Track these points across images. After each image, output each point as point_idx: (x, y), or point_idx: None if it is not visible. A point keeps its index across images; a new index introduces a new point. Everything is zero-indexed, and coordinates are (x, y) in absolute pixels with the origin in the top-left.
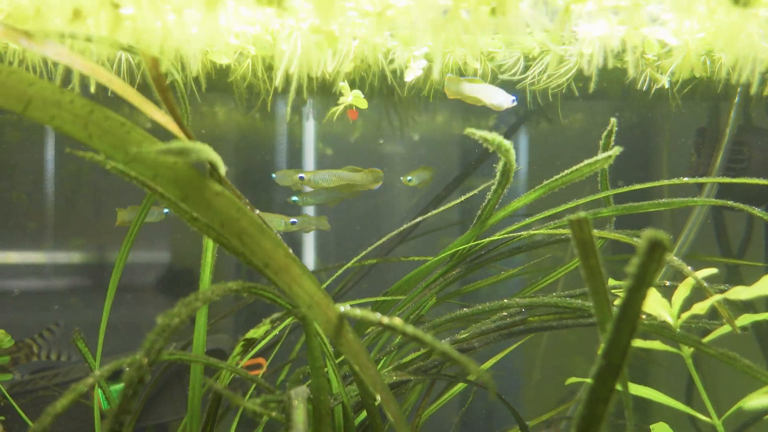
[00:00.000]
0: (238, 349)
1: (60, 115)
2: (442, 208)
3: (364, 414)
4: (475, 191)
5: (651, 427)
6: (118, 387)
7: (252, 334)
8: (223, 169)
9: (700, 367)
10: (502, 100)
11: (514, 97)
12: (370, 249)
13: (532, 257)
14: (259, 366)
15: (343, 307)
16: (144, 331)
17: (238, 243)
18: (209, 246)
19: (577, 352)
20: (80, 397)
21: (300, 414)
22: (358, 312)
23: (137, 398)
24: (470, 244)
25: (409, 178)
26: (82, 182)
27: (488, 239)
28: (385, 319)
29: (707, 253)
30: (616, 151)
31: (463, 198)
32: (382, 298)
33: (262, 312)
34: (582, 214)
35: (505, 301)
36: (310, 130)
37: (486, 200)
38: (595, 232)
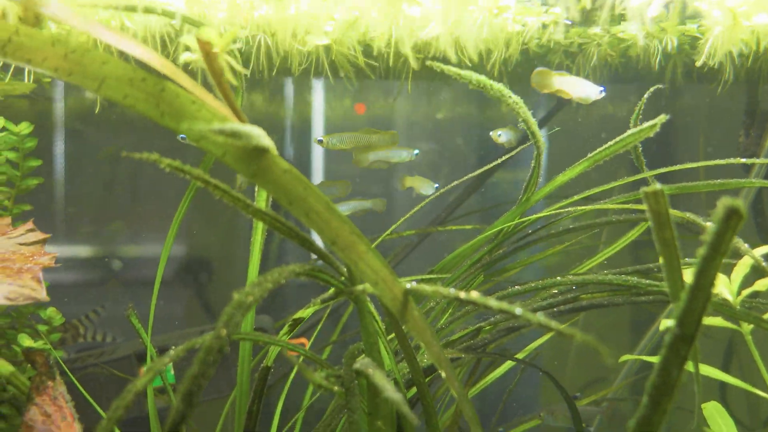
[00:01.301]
0: (285, 329)
1: (133, 93)
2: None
3: (413, 390)
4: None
5: (702, 405)
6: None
7: (301, 313)
8: (275, 151)
9: (737, 349)
10: (590, 91)
11: (602, 88)
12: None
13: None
14: (301, 346)
15: (409, 284)
16: (162, 323)
17: (306, 220)
18: (259, 228)
19: (605, 339)
20: (126, 377)
21: (380, 376)
22: (427, 288)
23: (215, 366)
24: (515, 222)
25: (499, 133)
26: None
27: (536, 216)
28: (462, 294)
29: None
30: (662, 118)
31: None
32: (428, 276)
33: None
34: (657, 186)
35: (558, 278)
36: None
37: (529, 174)
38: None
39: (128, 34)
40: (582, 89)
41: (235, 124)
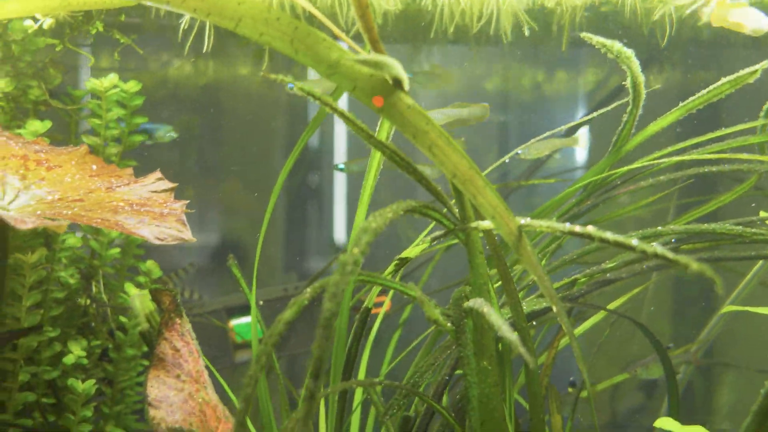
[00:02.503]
0: (391, 267)
1: (268, 32)
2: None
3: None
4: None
5: None
6: (246, 323)
7: (407, 253)
8: (407, 86)
9: None
10: (765, 23)
11: None
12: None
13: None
14: (381, 304)
15: (524, 219)
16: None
17: (429, 153)
18: (374, 163)
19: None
20: (222, 325)
21: (495, 315)
22: (542, 223)
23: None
24: (604, 174)
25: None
26: None
27: (627, 167)
28: (578, 227)
29: None
30: (764, 64)
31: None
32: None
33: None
34: None
35: (659, 228)
36: None
37: (621, 124)
38: None
39: None
40: (761, 21)
41: (378, 55)
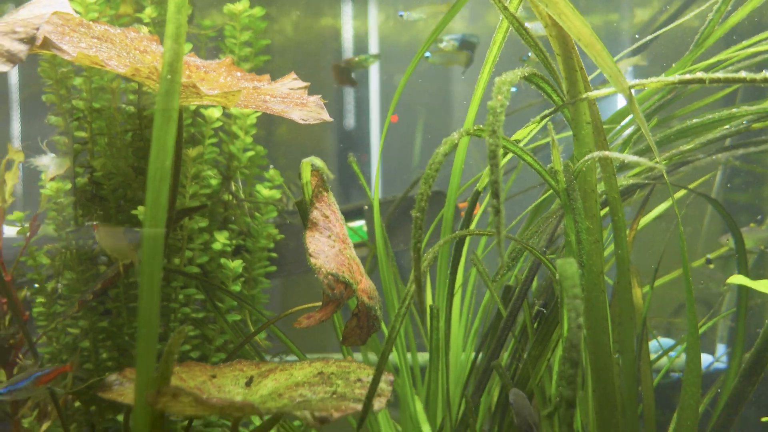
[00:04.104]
0: (500, 152)
1: None
2: None
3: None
4: None
5: None
6: (358, 225)
7: (518, 135)
8: None
9: None
10: None
11: None
12: None
13: None
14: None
15: (634, 80)
16: None
17: (558, 20)
18: (498, 37)
19: None
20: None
21: (595, 175)
22: (653, 79)
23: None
24: (688, 68)
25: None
26: None
27: (707, 62)
28: (687, 75)
29: None
30: None
31: None
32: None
33: None
34: None
35: (734, 110)
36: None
37: (709, 20)
38: None
39: None
40: None
41: None
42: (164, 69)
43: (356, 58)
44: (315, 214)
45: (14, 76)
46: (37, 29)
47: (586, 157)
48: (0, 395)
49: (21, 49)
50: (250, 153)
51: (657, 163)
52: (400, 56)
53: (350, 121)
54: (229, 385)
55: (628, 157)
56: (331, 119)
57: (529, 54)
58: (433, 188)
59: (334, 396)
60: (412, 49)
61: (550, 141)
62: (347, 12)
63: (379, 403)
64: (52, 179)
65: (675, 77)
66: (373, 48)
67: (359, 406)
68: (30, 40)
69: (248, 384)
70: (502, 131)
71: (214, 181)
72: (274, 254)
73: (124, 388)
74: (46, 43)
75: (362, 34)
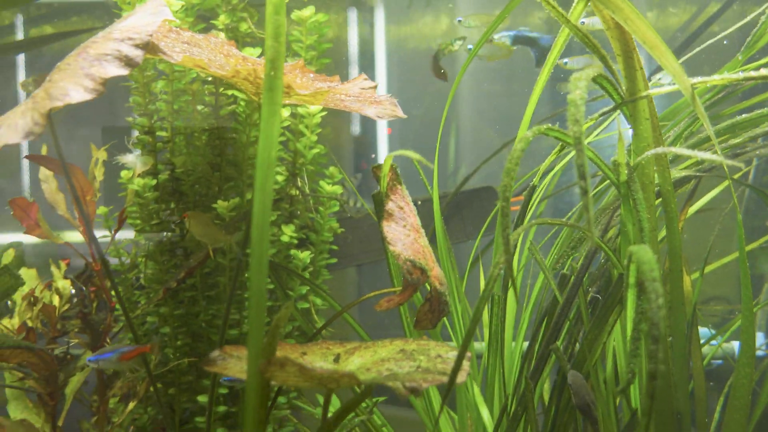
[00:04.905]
0: (558, 148)
1: None
2: None
3: None
4: None
5: None
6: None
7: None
8: None
9: None
10: None
11: None
12: None
13: None
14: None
15: (695, 79)
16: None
17: (624, 24)
18: (559, 41)
19: None
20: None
21: (652, 167)
22: (716, 77)
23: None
24: (737, 70)
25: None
26: None
27: (758, 63)
28: (752, 72)
29: None
30: None
31: None
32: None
33: None
34: None
35: None
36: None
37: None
38: None
39: None
40: None
41: None
42: (267, 66)
43: (441, 45)
44: (390, 205)
45: None
46: (150, 35)
47: (648, 152)
48: (89, 361)
49: (138, 54)
50: (315, 150)
51: (716, 156)
52: (406, 62)
53: (356, 127)
54: (318, 360)
55: (695, 153)
56: (405, 116)
57: (566, 60)
58: (483, 184)
59: (419, 370)
60: (417, 56)
61: (618, 135)
62: (353, 18)
63: (461, 377)
64: (140, 176)
65: (739, 74)
66: (379, 54)
67: (445, 378)
68: (144, 46)
69: (336, 360)
70: (583, 120)
71: (280, 177)
72: (335, 246)
73: (226, 363)
74: (153, 48)
75: (367, 40)
